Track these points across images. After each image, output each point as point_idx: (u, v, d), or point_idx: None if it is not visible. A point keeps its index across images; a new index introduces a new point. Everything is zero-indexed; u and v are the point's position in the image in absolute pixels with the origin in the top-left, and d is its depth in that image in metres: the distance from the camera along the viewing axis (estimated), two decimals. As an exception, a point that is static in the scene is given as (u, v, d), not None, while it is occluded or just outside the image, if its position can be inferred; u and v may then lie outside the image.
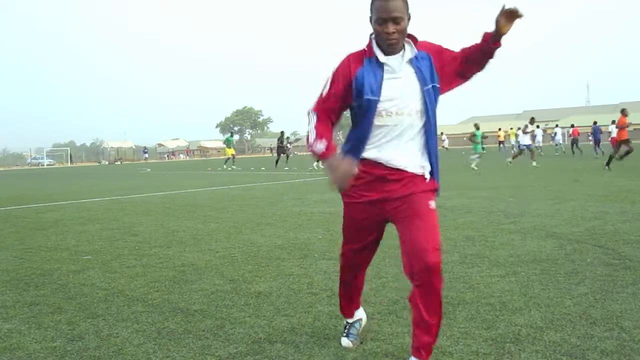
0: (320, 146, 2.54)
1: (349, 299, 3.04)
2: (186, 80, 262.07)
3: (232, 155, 28.76)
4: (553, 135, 35.90)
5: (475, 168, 17.46)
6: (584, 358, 2.63)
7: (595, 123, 27.31)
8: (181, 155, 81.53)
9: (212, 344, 3.02)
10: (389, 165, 2.61)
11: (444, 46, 2.69)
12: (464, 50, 2.68)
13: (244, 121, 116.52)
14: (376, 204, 2.64)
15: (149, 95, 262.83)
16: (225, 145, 30.07)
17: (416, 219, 2.54)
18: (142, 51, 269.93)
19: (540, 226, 6.29)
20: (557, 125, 38.48)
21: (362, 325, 3.08)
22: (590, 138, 29.09)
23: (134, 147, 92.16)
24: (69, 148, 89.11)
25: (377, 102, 2.58)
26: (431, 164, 2.66)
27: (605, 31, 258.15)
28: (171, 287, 4.26)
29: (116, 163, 62.33)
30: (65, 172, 36.35)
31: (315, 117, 2.63)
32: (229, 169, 27.24)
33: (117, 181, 20.92)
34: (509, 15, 2.47)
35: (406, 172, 2.60)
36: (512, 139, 38.26)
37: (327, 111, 2.64)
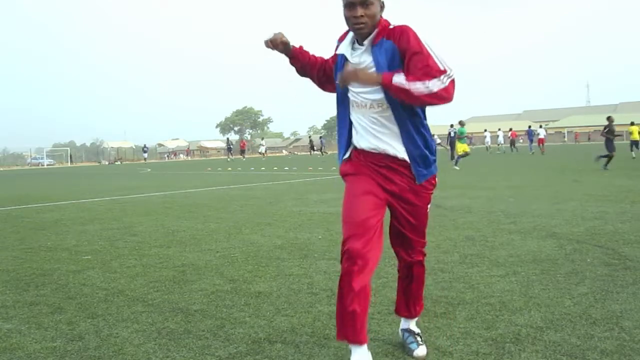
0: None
1: (348, 320, 2.45)
2: (186, 80, 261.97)
3: (465, 152, 20.12)
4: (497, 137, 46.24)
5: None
6: (584, 358, 2.63)
7: (529, 127, 38.38)
8: (181, 155, 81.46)
9: (212, 344, 3.01)
10: (380, 152, 2.56)
11: (417, 49, 2.35)
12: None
13: (244, 121, 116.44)
14: (380, 184, 2.57)
15: (149, 95, 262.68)
16: (457, 139, 21.34)
17: (411, 223, 2.67)
18: (142, 51, 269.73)
19: (540, 226, 6.29)
20: (499, 129, 47.34)
21: None
22: (521, 140, 42.67)
23: (134, 147, 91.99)
24: (69, 148, 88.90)
25: (342, 91, 2.61)
26: (421, 155, 2.53)
27: (604, 31, 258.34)
28: (171, 287, 4.26)
29: (116, 163, 62.19)
30: (65, 172, 36.32)
31: None
32: (457, 168, 19.46)
33: (117, 181, 20.90)
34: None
35: (397, 159, 2.53)
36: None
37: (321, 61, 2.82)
